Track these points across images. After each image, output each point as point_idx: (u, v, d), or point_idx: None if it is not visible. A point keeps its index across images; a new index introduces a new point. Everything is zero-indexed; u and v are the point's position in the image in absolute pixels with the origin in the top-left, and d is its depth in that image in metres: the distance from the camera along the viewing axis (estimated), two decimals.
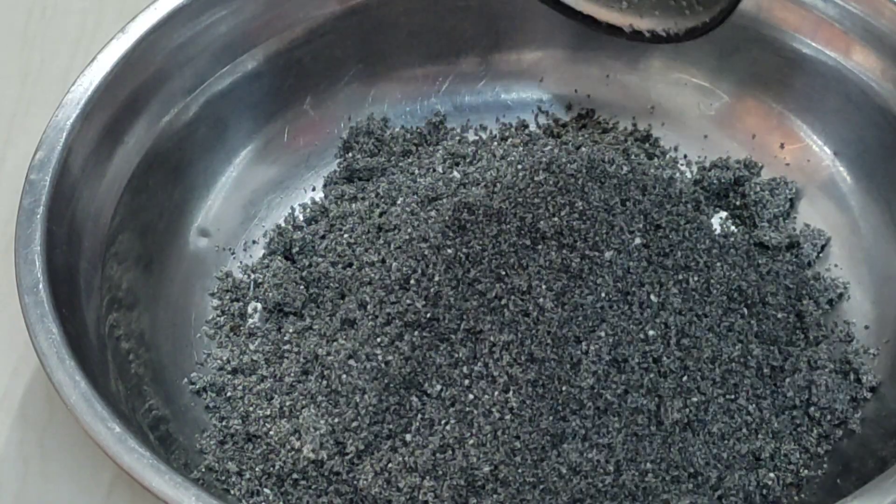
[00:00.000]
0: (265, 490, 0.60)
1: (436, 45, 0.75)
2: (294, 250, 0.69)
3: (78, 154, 0.64)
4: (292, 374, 0.63)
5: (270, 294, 0.67)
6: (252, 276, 0.69)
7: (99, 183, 0.65)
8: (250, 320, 0.68)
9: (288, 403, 0.62)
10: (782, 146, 0.72)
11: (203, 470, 0.60)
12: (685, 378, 0.61)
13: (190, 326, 0.67)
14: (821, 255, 0.68)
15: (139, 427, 0.59)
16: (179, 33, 0.68)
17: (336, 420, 0.60)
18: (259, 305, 0.68)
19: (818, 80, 0.70)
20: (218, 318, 0.68)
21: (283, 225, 0.71)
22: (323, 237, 0.70)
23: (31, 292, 0.58)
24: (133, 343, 0.63)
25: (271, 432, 0.61)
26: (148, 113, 0.68)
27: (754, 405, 0.62)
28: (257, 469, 0.61)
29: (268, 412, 0.62)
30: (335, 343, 0.62)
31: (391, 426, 0.60)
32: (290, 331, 0.66)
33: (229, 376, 0.65)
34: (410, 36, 0.74)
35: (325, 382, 0.62)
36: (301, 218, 0.72)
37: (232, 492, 0.60)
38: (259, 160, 0.73)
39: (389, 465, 0.59)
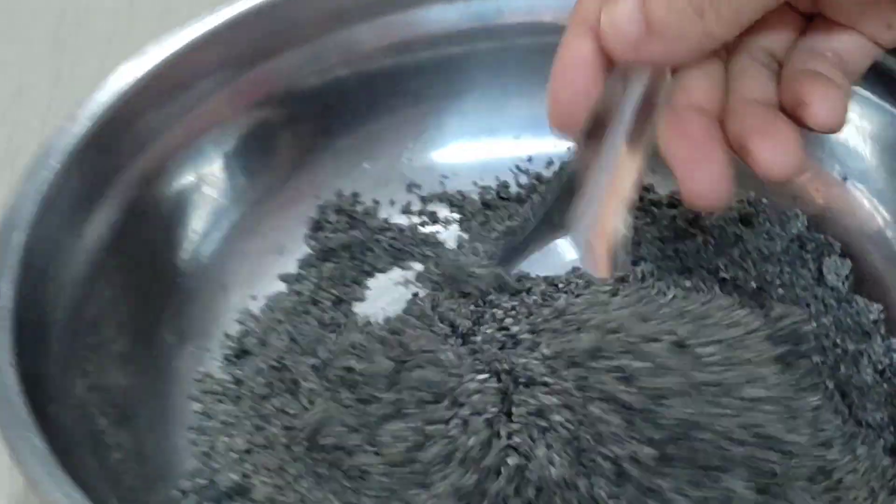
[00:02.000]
0: None
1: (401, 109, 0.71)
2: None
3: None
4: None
5: None
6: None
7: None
8: None
9: None
10: None
11: None
12: None
13: (175, 434, 0.61)
14: (845, 284, 0.65)
15: None
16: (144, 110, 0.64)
17: None
18: None
19: None
20: (203, 424, 0.62)
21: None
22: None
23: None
24: (121, 454, 0.57)
25: None
26: (107, 203, 0.62)
27: None
28: None
29: None
30: None
31: None
32: None
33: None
34: (369, 103, 0.70)
35: None
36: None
37: None
38: (226, 251, 0.67)
39: None
